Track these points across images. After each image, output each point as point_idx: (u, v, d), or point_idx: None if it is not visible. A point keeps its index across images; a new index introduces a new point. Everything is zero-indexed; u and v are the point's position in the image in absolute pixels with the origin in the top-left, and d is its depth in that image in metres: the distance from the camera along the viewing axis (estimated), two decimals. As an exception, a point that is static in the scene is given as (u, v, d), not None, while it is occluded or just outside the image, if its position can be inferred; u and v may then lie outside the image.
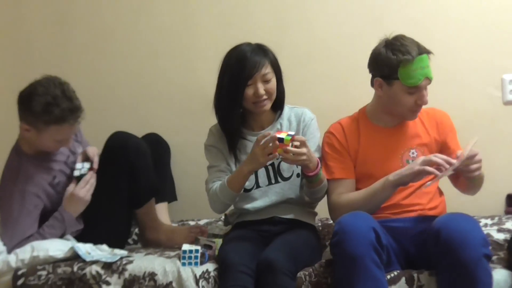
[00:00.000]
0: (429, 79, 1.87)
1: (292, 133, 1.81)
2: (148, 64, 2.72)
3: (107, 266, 1.89)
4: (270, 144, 1.78)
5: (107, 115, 2.68)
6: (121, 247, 2.10)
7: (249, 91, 1.92)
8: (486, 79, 2.51)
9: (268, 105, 1.97)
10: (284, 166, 2.01)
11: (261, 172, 2.01)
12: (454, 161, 1.69)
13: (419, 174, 1.73)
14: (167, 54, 2.70)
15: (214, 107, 2.02)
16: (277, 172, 2.01)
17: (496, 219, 2.26)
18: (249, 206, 2.01)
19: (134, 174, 2.10)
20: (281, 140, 1.77)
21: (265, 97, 1.93)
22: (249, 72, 1.90)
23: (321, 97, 2.55)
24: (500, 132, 2.46)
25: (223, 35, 2.58)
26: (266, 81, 1.93)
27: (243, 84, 1.91)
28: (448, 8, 2.52)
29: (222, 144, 2.03)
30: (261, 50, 1.96)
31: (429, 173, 1.71)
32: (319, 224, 2.35)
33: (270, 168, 2.01)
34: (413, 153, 1.93)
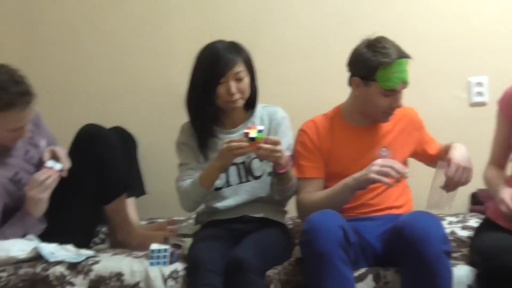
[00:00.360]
0: (405, 83, 1.89)
1: (262, 127, 1.79)
2: (120, 61, 2.69)
3: (72, 266, 1.85)
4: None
5: (76, 112, 2.65)
6: (87, 245, 2.06)
7: (222, 89, 1.92)
8: (453, 82, 2.56)
9: (240, 103, 1.96)
10: (255, 165, 2.01)
11: (232, 171, 2.00)
12: (406, 170, 1.74)
13: (373, 182, 1.77)
14: (139, 50, 2.68)
15: (186, 105, 2.01)
16: (248, 171, 2.01)
17: (461, 217, 2.31)
18: (219, 205, 2.01)
19: (103, 167, 2.05)
20: (252, 139, 1.76)
21: (237, 95, 1.93)
22: (222, 70, 1.90)
23: (295, 96, 2.57)
24: (466, 133, 2.50)
25: (197, 32, 2.57)
26: (238, 80, 1.92)
27: (215, 82, 1.91)
28: (417, 12, 2.57)
29: (193, 142, 2.02)
30: (235, 48, 1.95)
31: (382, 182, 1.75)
32: (290, 222, 2.36)
33: (241, 166, 2.01)
34: (384, 151, 1.96)
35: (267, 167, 2.00)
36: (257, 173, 2.01)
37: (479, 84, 2.55)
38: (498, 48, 2.45)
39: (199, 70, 1.95)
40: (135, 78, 2.69)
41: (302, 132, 2.03)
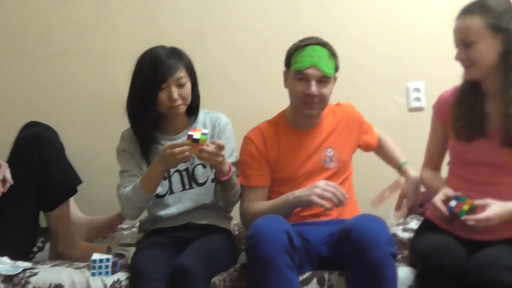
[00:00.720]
0: (318, 70, 1.88)
1: (206, 131, 1.79)
2: (60, 65, 2.62)
3: (8, 279, 1.77)
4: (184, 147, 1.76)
5: (13, 117, 2.53)
6: (28, 256, 1.97)
7: (163, 95, 1.89)
8: (391, 87, 2.63)
9: (182, 109, 1.94)
10: (198, 172, 1.99)
11: (175, 178, 1.98)
12: (346, 196, 1.78)
13: (314, 204, 1.78)
14: (79, 54, 2.61)
15: (126, 111, 1.97)
16: (192, 178, 1.99)
17: (402, 219, 2.37)
18: (163, 212, 1.98)
19: (47, 169, 1.95)
20: (196, 140, 1.75)
21: (179, 101, 1.91)
22: (163, 75, 1.87)
23: (238, 101, 2.57)
24: (406, 138, 2.57)
25: (138, 37, 2.54)
26: (180, 85, 1.91)
27: (157, 88, 1.88)
28: (357, 19, 2.62)
29: (135, 149, 1.98)
30: (176, 54, 1.94)
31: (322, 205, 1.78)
32: (236, 228, 2.35)
33: (184, 174, 1.99)
34: (329, 151, 1.99)
35: (211, 173, 1.99)
36: (200, 180, 1.99)
37: (417, 89, 2.63)
38: (434, 55, 2.54)
39: (139, 76, 1.92)
40: (75, 82, 2.62)
41: (248, 140, 2.02)
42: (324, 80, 1.90)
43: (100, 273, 1.78)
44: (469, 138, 1.78)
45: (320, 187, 1.77)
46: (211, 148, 1.76)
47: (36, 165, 1.94)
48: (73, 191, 2.07)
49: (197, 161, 1.96)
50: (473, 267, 1.56)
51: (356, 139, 2.08)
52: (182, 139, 1.97)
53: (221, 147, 1.78)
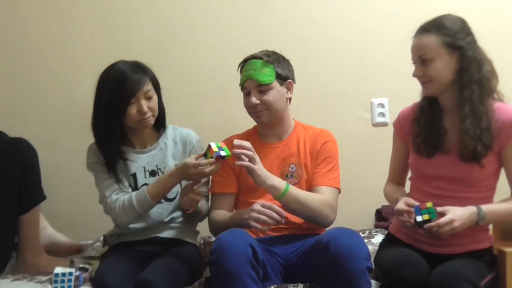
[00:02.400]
0: (253, 81, 1.97)
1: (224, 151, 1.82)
2: (22, 77, 2.58)
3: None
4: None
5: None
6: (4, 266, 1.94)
7: (132, 110, 1.89)
8: (356, 103, 2.68)
9: (152, 121, 1.95)
10: None
11: None
12: (283, 216, 1.77)
13: (251, 225, 1.79)
14: (42, 67, 2.58)
15: (92, 127, 1.95)
16: None
17: (367, 232, 2.40)
18: (130, 226, 1.96)
19: (25, 173, 1.96)
20: (222, 157, 1.80)
21: (149, 114, 1.92)
22: (131, 90, 1.88)
23: (203, 117, 2.58)
24: (370, 152, 2.63)
25: (102, 52, 2.53)
26: (148, 98, 1.92)
27: (126, 103, 1.88)
28: (322, 38, 2.68)
29: (104, 161, 1.96)
30: (140, 68, 1.94)
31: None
32: (201, 242, 2.35)
33: None
34: (292, 168, 2.01)
35: (180, 189, 1.98)
36: (170, 196, 1.99)
37: (381, 105, 2.69)
38: (397, 72, 2.59)
39: (104, 93, 1.90)
40: (38, 95, 2.58)
41: None
42: (263, 88, 1.97)
43: (62, 287, 1.75)
44: (429, 153, 1.83)
45: (256, 211, 1.78)
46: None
47: (18, 169, 1.95)
48: (44, 197, 2.08)
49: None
50: (434, 280, 1.59)
51: (315, 165, 2.03)
52: (151, 153, 2.00)
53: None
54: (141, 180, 1.98)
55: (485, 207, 1.72)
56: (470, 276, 1.58)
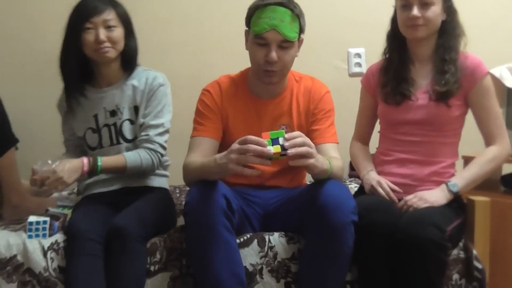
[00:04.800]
0: (279, 34, 1.72)
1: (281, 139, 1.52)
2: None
3: None
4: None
5: None
6: None
7: (89, 37, 1.86)
8: (333, 53, 2.67)
9: (111, 53, 1.89)
10: (126, 127, 1.95)
11: (104, 132, 1.96)
12: (266, 148, 1.49)
13: (232, 172, 1.54)
14: (10, 14, 2.51)
15: (59, 62, 1.93)
16: (120, 133, 1.96)
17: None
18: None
19: None
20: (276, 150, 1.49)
21: (107, 44, 1.87)
22: (87, 14, 1.85)
23: (178, 63, 2.54)
24: (346, 102, 2.61)
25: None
26: (108, 27, 1.87)
27: (81, 27, 1.85)
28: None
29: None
30: (109, 0, 1.90)
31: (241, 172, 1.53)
32: (177, 191, 2.36)
33: (112, 128, 1.96)
34: (283, 128, 1.87)
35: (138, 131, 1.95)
36: (128, 136, 1.96)
37: (358, 55, 2.68)
38: (374, 22, 2.57)
39: (68, 21, 1.89)
40: (8, 43, 2.51)
41: (205, 91, 1.91)
42: (286, 45, 1.75)
43: (37, 235, 1.75)
44: (397, 102, 1.88)
45: (235, 151, 1.51)
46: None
47: None
48: (16, 140, 2.04)
49: (125, 116, 1.94)
50: (403, 225, 1.64)
51: (310, 122, 1.89)
52: (112, 92, 1.96)
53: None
54: (101, 120, 1.96)
55: (457, 182, 1.79)
56: (437, 221, 1.62)
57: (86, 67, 1.95)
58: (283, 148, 1.50)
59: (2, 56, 2.51)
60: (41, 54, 2.46)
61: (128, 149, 1.94)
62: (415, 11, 1.80)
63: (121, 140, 1.95)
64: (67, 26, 1.89)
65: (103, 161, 1.85)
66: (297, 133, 1.55)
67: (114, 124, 1.95)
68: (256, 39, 1.75)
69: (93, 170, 1.84)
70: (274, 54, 1.73)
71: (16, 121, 2.33)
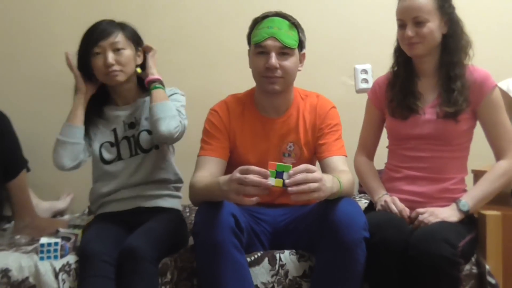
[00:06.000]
0: (277, 41, 1.77)
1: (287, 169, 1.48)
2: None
3: (-47, 265, 1.73)
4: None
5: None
6: None
7: (98, 61, 1.88)
8: (340, 69, 2.68)
9: (121, 76, 1.91)
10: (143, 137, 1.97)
11: (123, 144, 1.98)
12: (267, 181, 1.48)
13: (233, 201, 1.56)
14: (20, 36, 2.55)
15: None
16: (137, 144, 1.98)
17: (351, 198, 2.42)
18: (111, 196, 1.96)
19: (3, 140, 1.97)
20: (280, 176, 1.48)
21: (116, 67, 1.88)
22: (95, 38, 1.87)
23: (185, 83, 2.55)
24: (354, 118, 2.62)
25: (82, 19, 2.45)
26: (117, 50, 1.89)
27: (89, 52, 1.87)
28: (305, 2, 2.65)
29: None
30: (117, 23, 1.93)
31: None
32: (187, 210, 2.36)
33: (132, 140, 1.98)
34: (290, 146, 1.90)
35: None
36: (145, 146, 1.98)
37: (364, 71, 2.69)
38: (380, 38, 2.59)
39: (79, 47, 1.92)
40: (18, 65, 2.54)
41: (212, 111, 1.92)
42: (285, 51, 1.78)
43: (49, 257, 1.76)
44: (403, 116, 1.88)
45: (236, 180, 1.49)
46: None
47: None
48: (26, 160, 2.09)
49: (142, 127, 1.96)
50: (414, 241, 1.63)
51: (317, 138, 1.91)
52: (131, 109, 1.99)
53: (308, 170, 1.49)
54: (120, 134, 1.98)
55: (468, 200, 1.78)
56: (449, 237, 1.61)
57: (102, 88, 1.98)
58: (285, 184, 1.48)
59: (12, 77, 2.53)
60: (52, 76, 2.48)
61: (143, 159, 1.97)
62: (409, 31, 1.81)
63: (139, 151, 1.97)
64: (78, 52, 1.92)
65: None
66: (302, 167, 1.50)
67: (133, 136, 1.98)
68: (256, 48, 1.80)
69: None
70: (273, 60, 1.77)
71: (25, 142, 2.37)
